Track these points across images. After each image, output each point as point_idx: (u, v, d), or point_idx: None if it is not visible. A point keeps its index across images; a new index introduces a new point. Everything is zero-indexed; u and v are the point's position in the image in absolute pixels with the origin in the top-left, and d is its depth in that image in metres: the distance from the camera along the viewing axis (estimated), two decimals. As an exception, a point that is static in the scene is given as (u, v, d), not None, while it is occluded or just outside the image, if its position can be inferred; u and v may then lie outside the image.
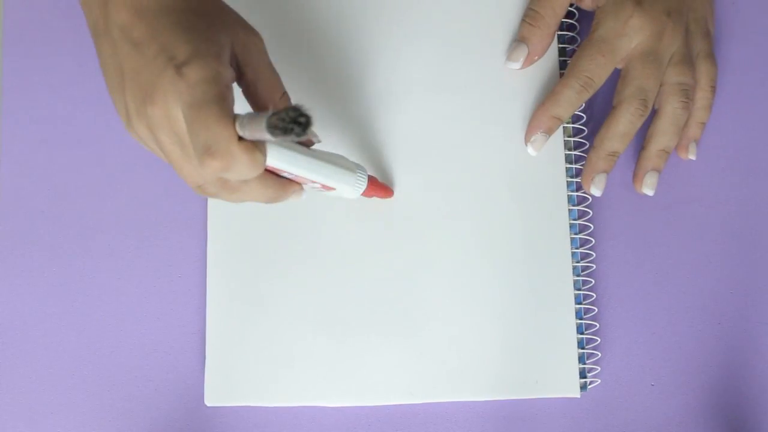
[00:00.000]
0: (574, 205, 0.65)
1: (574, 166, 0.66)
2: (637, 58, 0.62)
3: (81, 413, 0.64)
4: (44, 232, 0.66)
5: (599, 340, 0.64)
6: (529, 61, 0.65)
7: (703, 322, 0.64)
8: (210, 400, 0.64)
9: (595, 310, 0.64)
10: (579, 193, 0.65)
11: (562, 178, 0.65)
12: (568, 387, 0.62)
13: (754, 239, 0.65)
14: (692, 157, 0.65)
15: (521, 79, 0.66)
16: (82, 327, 0.65)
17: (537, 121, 0.63)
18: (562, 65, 0.66)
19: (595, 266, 0.64)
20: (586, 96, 0.63)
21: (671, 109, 0.63)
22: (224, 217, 0.66)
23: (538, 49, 0.65)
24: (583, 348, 0.63)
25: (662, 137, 0.63)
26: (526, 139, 0.64)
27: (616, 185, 0.66)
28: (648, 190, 0.64)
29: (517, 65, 0.65)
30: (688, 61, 0.63)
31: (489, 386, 0.62)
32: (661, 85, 0.63)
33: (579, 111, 0.66)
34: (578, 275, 0.64)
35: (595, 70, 0.62)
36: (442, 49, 0.67)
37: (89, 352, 0.65)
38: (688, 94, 0.62)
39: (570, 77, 0.62)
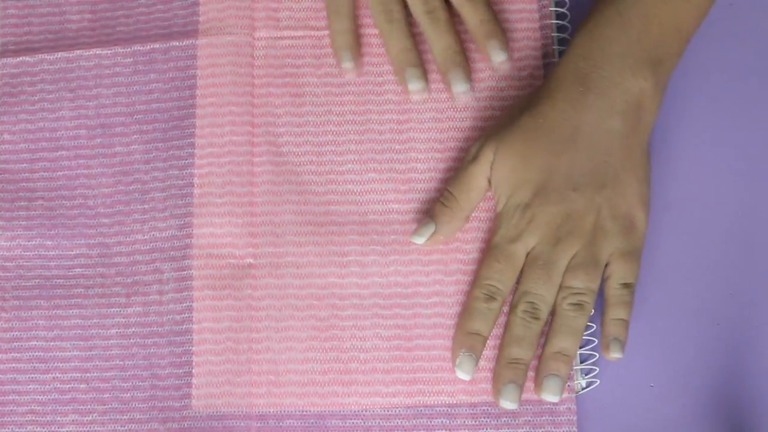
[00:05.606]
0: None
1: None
2: (528, 263, 0.60)
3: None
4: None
5: (596, 341, 0.63)
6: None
7: (702, 324, 0.63)
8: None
9: (591, 311, 0.63)
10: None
11: None
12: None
13: (754, 240, 0.65)
14: (616, 355, 0.61)
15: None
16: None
17: (457, 341, 0.61)
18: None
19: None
20: (497, 304, 0.61)
21: (561, 311, 0.60)
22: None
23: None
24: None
25: (555, 339, 0.60)
26: (453, 363, 0.61)
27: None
28: (548, 396, 0.60)
29: (421, 240, 0.62)
30: (587, 264, 0.60)
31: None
32: (559, 288, 0.61)
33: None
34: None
35: (495, 276, 0.60)
36: None
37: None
38: (580, 298, 0.60)
39: (474, 288, 0.61)
